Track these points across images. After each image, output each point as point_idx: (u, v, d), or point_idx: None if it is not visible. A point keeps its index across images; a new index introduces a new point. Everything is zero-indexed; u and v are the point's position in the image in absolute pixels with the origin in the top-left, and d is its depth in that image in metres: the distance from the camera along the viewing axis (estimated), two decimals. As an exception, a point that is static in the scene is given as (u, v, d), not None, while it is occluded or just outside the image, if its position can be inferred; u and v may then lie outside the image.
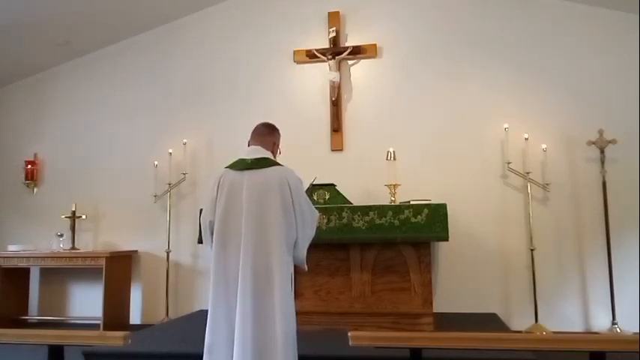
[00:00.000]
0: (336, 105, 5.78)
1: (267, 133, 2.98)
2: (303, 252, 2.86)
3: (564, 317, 5.16)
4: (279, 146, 3.07)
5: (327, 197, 4.74)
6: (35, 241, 6.19)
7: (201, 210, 4.53)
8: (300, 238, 2.80)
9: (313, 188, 4.69)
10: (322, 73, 5.84)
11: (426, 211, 4.27)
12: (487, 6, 5.70)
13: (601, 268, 5.09)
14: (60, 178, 6.38)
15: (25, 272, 6.15)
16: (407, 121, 5.67)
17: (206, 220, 2.85)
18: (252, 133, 3.00)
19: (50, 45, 6.12)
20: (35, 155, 6.44)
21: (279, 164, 2.85)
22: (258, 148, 2.89)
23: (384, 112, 5.74)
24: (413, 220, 4.26)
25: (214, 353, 2.64)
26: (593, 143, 5.15)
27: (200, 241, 4.55)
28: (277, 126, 3.07)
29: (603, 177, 5.11)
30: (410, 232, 4.25)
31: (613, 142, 5.08)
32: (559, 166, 5.36)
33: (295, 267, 2.84)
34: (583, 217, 5.27)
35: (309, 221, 2.86)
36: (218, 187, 2.80)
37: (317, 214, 2.98)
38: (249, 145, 2.97)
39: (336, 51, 5.79)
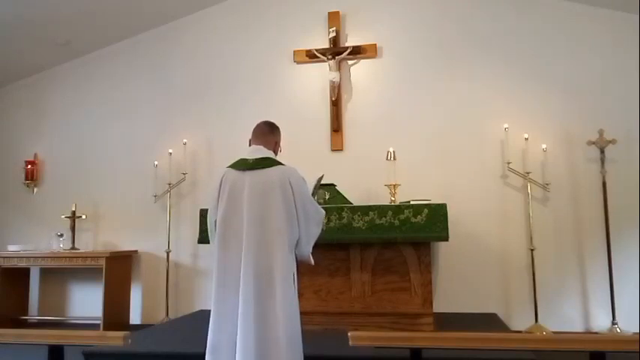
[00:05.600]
0: (336, 105, 5.78)
1: (268, 132, 2.97)
2: (307, 249, 2.85)
3: (564, 317, 5.16)
4: (280, 145, 3.07)
5: (327, 197, 4.74)
6: (35, 241, 6.19)
7: (201, 210, 4.59)
8: (303, 237, 2.79)
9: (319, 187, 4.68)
10: (322, 73, 5.84)
11: (426, 211, 4.27)
12: (487, 6, 5.70)
13: (601, 268, 5.09)
14: (60, 178, 6.38)
15: (25, 272, 6.15)
16: (407, 121, 5.67)
17: (211, 219, 2.84)
18: (254, 132, 2.98)
19: (50, 45, 6.12)
20: (35, 155, 6.43)
21: (281, 164, 2.84)
22: (260, 147, 2.88)
23: (384, 112, 5.74)
24: (413, 220, 4.26)
25: (217, 353, 2.63)
26: (593, 143, 5.15)
27: (200, 241, 4.58)
28: (277, 126, 3.07)
29: (603, 177, 5.11)
30: (410, 232, 4.25)
31: (613, 142, 5.08)
32: (559, 166, 5.36)
33: (297, 267, 2.82)
34: (583, 217, 5.27)
35: (314, 220, 2.85)
36: (220, 186, 2.80)
37: (323, 213, 2.96)
38: (250, 145, 2.96)
39: (336, 51, 5.79)
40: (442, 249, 5.33)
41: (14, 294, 5.99)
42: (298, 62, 5.97)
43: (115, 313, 5.64)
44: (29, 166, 6.36)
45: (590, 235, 5.21)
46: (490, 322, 4.79)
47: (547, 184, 5.28)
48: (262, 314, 2.57)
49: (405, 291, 4.34)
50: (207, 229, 2.93)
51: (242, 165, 2.81)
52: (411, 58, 5.79)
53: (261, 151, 2.86)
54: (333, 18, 5.90)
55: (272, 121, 3.05)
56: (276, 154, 2.95)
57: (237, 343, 2.56)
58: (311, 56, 5.87)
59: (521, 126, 5.36)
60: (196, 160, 6.04)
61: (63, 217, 6.02)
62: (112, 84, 6.44)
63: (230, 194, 2.75)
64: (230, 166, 2.86)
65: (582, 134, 5.25)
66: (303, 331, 2.74)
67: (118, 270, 5.75)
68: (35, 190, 6.43)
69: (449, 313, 5.01)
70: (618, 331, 4.91)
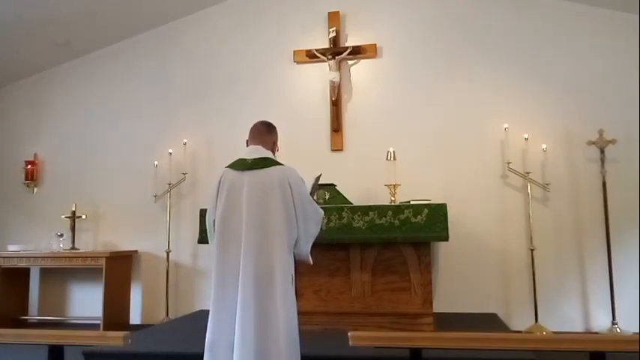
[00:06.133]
0: (336, 105, 5.78)
1: (266, 132, 2.96)
2: (306, 248, 2.85)
3: (564, 317, 5.16)
4: (278, 144, 3.07)
5: (327, 197, 4.74)
6: (35, 241, 6.19)
7: (201, 210, 4.59)
8: (302, 237, 2.79)
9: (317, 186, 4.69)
10: (322, 73, 5.84)
11: (426, 211, 4.27)
12: (487, 6, 5.70)
13: (601, 268, 5.09)
14: (60, 178, 6.38)
15: (25, 272, 6.15)
16: (407, 121, 5.67)
17: (210, 219, 2.84)
18: (251, 132, 2.97)
19: (50, 45, 6.12)
20: (35, 155, 6.43)
21: (280, 164, 2.83)
22: (259, 147, 2.88)
23: (384, 112, 5.74)
24: (413, 220, 4.26)
25: (215, 353, 2.63)
26: (593, 143, 5.15)
27: (200, 241, 4.57)
28: (277, 126, 3.06)
29: (603, 177, 5.11)
30: (410, 232, 4.25)
31: (613, 142, 5.08)
32: (559, 166, 5.36)
33: (296, 266, 2.82)
34: (583, 217, 5.27)
35: (312, 220, 2.85)
36: (219, 186, 2.80)
37: (321, 213, 2.96)
38: (247, 145, 2.95)
39: (336, 51, 5.79)
40: (442, 249, 5.33)
41: (14, 294, 5.99)
42: (298, 62, 5.97)
43: (115, 313, 5.64)
44: (29, 166, 6.36)
45: (590, 235, 5.21)
46: (490, 322, 4.79)
47: (547, 184, 5.28)
48: (262, 314, 2.57)
49: (405, 291, 4.34)
50: (207, 229, 2.93)
51: (240, 165, 2.81)
52: (411, 58, 5.79)
53: (259, 151, 2.85)
54: (333, 18, 5.90)
55: (269, 120, 3.05)
56: (274, 153, 2.95)
57: (235, 343, 2.55)
58: (311, 56, 5.87)
59: (521, 126, 5.36)
60: (196, 160, 6.04)
61: (63, 217, 6.02)
62: (112, 84, 6.44)
63: (229, 194, 2.75)
64: (228, 167, 2.85)
65: (582, 134, 5.25)
66: (301, 331, 2.74)
67: (118, 270, 5.75)
68: (35, 190, 6.43)
69: (449, 313, 5.01)
70: (618, 331, 4.91)
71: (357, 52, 5.82)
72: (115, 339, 2.49)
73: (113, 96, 6.41)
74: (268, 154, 2.87)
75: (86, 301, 6.03)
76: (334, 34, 5.82)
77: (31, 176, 6.36)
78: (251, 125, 3.03)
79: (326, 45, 5.85)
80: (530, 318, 5.09)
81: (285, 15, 6.08)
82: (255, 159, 2.81)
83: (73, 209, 6.04)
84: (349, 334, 2.43)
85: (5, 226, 6.46)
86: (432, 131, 5.61)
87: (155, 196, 5.96)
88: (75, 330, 4.11)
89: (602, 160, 5.12)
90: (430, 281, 4.37)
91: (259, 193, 2.71)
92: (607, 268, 5.00)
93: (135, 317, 5.92)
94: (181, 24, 6.32)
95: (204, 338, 2.68)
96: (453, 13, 5.76)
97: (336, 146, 5.79)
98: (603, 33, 5.44)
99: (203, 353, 2.67)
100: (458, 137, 5.55)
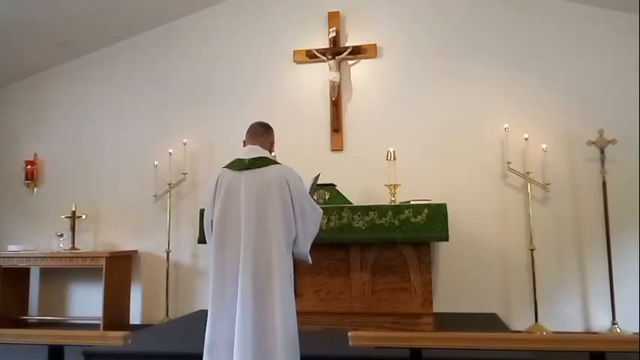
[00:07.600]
0: (336, 105, 5.78)
1: (264, 133, 2.97)
2: (304, 248, 2.84)
3: (564, 317, 5.16)
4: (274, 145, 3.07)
5: (327, 197, 4.74)
6: (35, 241, 6.19)
7: (201, 210, 4.59)
8: (300, 236, 2.78)
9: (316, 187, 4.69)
10: (322, 73, 5.84)
11: (426, 211, 4.27)
12: (487, 6, 5.71)
13: (601, 268, 5.09)
14: (60, 178, 6.38)
15: (25, 272, 6.15)
16: (407, 121, 5.67)
17: (208, 220, 2.85)
18: (249, 132, 2.98)
19: (50, 45, 6.12)
20: (35, 155, 6.44)
21: (277, 163, 2.84)
22: (256, 147, 2.88)
23: (384, 112, 5.74)
24: (413, 220, 4.26)
25: (214, 353, 2.64)
26: (593, 143, 5.16)
27: (200, 241, 4.58)
28: (278, 126, 3.07)
29: (603, 177, 5.11)
30: (410, 232, 4.25)
31: (613, 142, 5.08)
32: (559, 166, 5.36)
33: (295, 266, 2.82)
34: (583, 217, 5.27)
35: (311, 219, 2.84)
36: (216, 187, 2.80)
37: (320, 211, 2.95)
38: (244, 145, 2.95)
39: (336, 51, 5.79)
40: (442, 249, 5.33)
41: (14, 294, 5.99)
42: (298, 62, 5.97)
43: (115, 313, 5.64)
44: (29, 166, 6.36)
45: (590, 235, 5.21)
46: (490, 322, 4.79)
47: (547, 184, 5.28)
48: (260, 313, 2.58)
49: (405, 291, 4.34)
50: (204, 229, 2.93)
51: (238, 165, 2.81)
52: (411, 58, 5.79)
53: (256, 151, 2.85)
54: (333, 18, 5.90)
55: (265, 121, 3.05)
56: (271, 154, 2.95)
57: (235, 343, 2.56)
58: (311, 56, 5.87)
59: (521, 126, 5.36)
60: (196, 160, 6.04)
61: (63, 217, 6.02)
62: (112, 84, 6.44)
63: (226, 194, 2.75)
64: (226, 167, 2.85)
65: (582, 134, 5.25)
66: (301, 331, 2.74)
67: (118, 270, 5.75)
68: (35, 190, 6.43)
69: (449, 313, 5.01)
70: (618, 331, 4.91)
71: (357, 52, 5.82)
72: (115, 339, 2.49)
73: (113, 96, 6.41)
74: (265, 153, 2.87)
75: (86, 301, 6.03)
76: (334, 34, 5.82)
77: (31, 176, 6.37)
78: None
79: (326, 45, 5.85)
80: (530, 318, 5.09)
81: (285, 15, 6.08)
82: (252, 159, 2.81)
83: (73, 209, 6.04)
84: (349, 334, 2.43)
85: (5, 226, 6.46)
86: (432, 131, 5.61)
87: (155, 196, 5.96)
88: (75, 330, 4.11)
89: (602, 160, 5.12)
90: (430, 281, 4.37)
91: (257, 193, 2.72)
92: (607, 268, 5.00)
93: (135, 317, 5.92)
94: (181, 24, 6.32)
95: (204, 338, 2.68)
96: (453, 14, 5.76)
97: (336, 146, 5.79)
98: (603, 33, 5.44)
99: (203, 353, 2.67)
100: (458, 137, 5.55)
